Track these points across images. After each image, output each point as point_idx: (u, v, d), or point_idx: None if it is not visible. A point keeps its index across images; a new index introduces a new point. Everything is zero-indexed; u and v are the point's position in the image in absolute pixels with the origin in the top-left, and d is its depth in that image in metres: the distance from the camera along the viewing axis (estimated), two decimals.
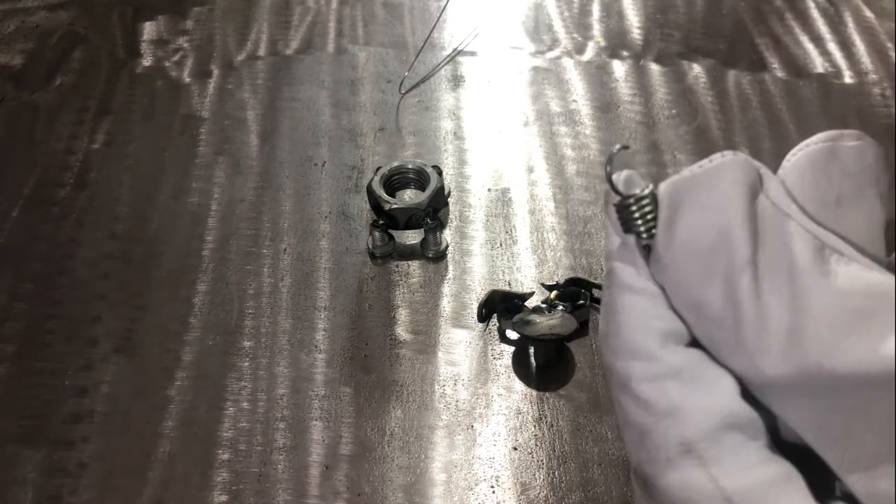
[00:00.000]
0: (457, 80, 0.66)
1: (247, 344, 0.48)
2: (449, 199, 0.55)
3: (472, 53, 0.68)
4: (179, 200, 0.57)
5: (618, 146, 0.25)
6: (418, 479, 0.43)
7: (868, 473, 0.20)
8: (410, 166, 0.54)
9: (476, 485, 0.42)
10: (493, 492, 0.42)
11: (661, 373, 0.23)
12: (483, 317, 0.49)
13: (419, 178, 0.54)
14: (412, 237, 0.54)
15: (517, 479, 0.43)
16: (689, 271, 0.23)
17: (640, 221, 0.24)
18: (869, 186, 0.24)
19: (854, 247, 0.23)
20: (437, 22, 0.69)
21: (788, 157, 0.24)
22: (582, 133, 0.61)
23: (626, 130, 0.61)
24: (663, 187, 0.23)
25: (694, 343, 0.23)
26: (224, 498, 0.42)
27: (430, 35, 0.68)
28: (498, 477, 0.43)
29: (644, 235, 0.24)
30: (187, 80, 0.66)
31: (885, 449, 0.20)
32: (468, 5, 0.73)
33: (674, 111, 0.62)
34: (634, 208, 0.24)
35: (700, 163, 0.23)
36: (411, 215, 0.52)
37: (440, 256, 0.53)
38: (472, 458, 0.44)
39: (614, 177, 0.24)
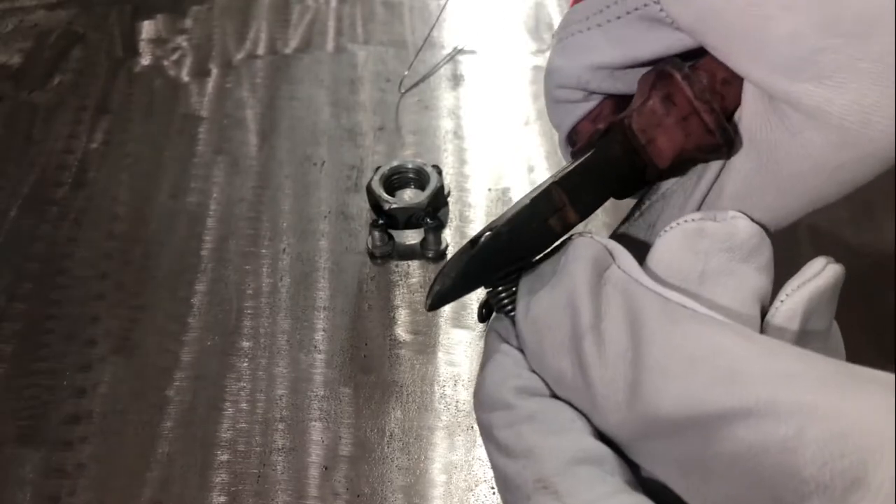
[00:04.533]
0: (457, 80, 0.65)
1: (246, 344, 0.48)
2: (449, 199, 0.55)
3: (472, 52, 0.68)
4: (178, 200, 0.56)
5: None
6: (418, 481, 0.43)
7: None
8: (410, 166, 0.54)
9: (476, 486, 0.42)
10: (494, 493, 0.42)
11: (516, 419, 0.24)
12: (483, 317, 0.48)
13: (419, 178, 0.54)
14: (412, 237, 0.53)
15: None
16: (543, 344, 0.25)
17: (506, 301, 0.28)
18: (740, 262, 0.25)
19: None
20: (436, 20, 0.69)
21: (661, 232, 0.25)
22: None
23: None
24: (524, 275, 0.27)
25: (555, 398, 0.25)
26: (223, 499, 0.42)
27: (429, 34, 0.68)
28: None
29: (511, 314, 0.27)
30: (186, 79, 0.66)
31: (725, 491, 0.20)
32: (468, 4, 0.72)
33: None
34: (501, 289, 0.28)
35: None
36: (411, 215, 0.52)
37: (440, 256, 0.52)
38: (473, 459, 0.43)
39: None
